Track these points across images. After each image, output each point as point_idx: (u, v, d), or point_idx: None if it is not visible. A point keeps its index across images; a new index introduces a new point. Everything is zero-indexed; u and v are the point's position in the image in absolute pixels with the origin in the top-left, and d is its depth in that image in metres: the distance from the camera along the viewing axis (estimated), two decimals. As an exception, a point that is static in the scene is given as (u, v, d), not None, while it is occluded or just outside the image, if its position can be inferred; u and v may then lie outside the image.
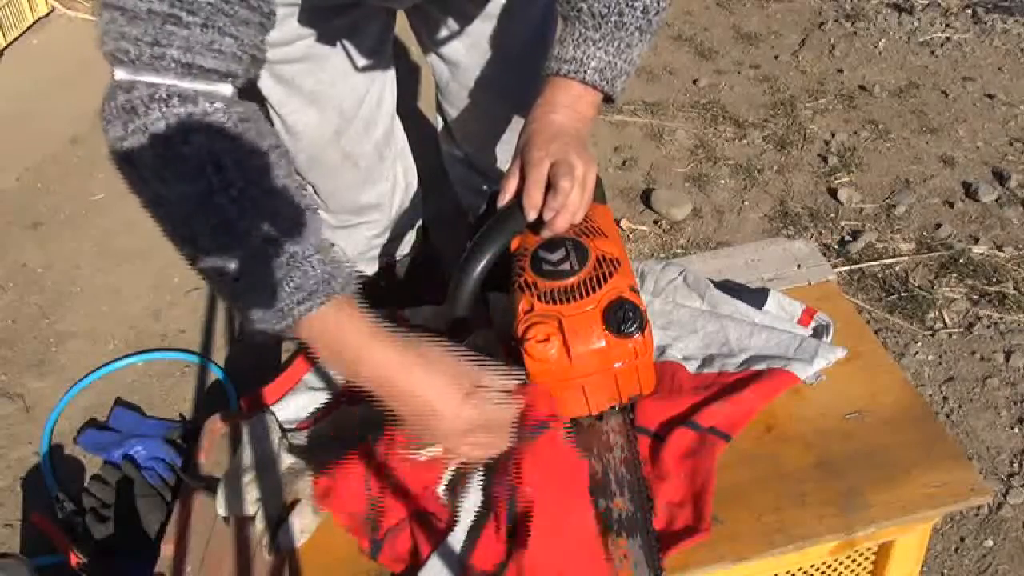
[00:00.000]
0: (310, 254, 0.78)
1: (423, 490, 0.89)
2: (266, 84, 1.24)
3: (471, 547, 0.84)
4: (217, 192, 0.75)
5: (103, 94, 0.77)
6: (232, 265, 0.76)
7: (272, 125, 0.87)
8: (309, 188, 0.94)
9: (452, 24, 1.24)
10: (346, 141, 1.33)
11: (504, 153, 1.45)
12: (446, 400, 0.80)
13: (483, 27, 1.24)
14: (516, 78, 1.29)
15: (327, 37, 1.19)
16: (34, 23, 2.98)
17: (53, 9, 3.04)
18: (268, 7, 0.80)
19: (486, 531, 0.85)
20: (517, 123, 1.40)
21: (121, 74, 0.76)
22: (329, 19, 1.16)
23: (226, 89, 0.79)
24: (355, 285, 0.81)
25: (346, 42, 1.21)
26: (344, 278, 0.80)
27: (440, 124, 1.48)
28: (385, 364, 0.79)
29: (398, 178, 1.47)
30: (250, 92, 1.28)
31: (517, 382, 0.85)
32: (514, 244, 0.97)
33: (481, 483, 0.88)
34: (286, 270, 0.77)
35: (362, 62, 1.26)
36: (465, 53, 1.27)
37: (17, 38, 2.91)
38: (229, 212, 0.76)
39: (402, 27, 1.35)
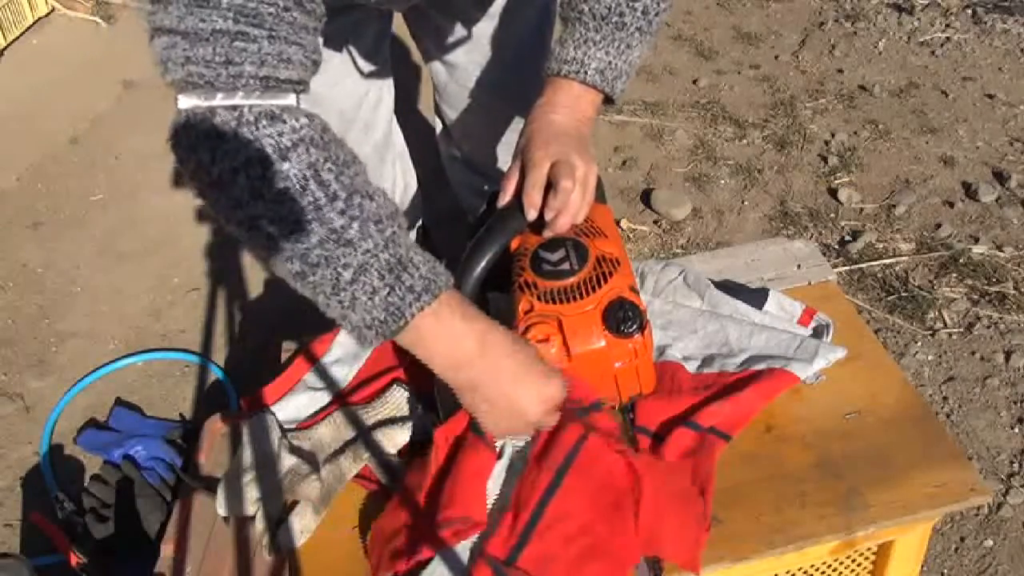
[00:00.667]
0: (413, 254, 0.79)
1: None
2: None
3: (488, 534, 0.84)
4: (324, 206, 0.75)
5: (174, 123, 0.76)
6: (345, 275, 0.77)
7: None
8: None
9: (449, 26, 1.24)
10: (346, 144, 1.33)
11: (503, 153, 1.45)
12: (533, 402, 0.84)
13: (481, 28, 1.24)
14: (514, 78, 1.29)
15: (326, 39, 1.19)
16: (34, 23, 2.98)
17: (53, 9, 3.04)
18: (320, 9, 0.79)
19: (504, 520, 0.84)
20: (516, 123, 1.40)
21: (194, 100, 0.74)
22: (329, 21, 1.16)
23: (294, 100, 0.78)
24: (452, 279, 0.83)
25: (346, 44, 1.22)
26: (446, 274, 0.82)
27: (439, 125, 1.48)
28: (492, 362, 0.82)
29: (397, 179, 1.47)
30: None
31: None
32: (514, 244, 0.97)
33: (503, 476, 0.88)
34: (397, 272, 0.78)
35: (360, 64, 1.26)
36: (463, 54, 1.28)
37: (17, 38, 2.91)
38: (337, 223, 0.75)
39: (400, 29, 1.36)
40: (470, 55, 1.27)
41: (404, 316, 0.78)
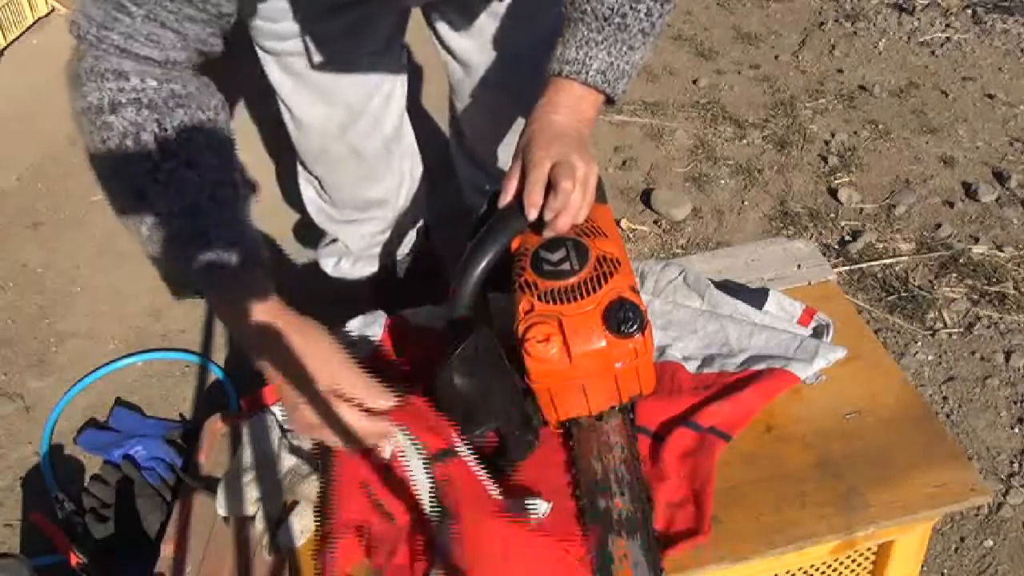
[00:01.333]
0: (212, 228, 0.85)
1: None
2: (275, 75, 1.24)
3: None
4: (132, 162, 0.83)
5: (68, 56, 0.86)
6: (143, 229, 0.85)
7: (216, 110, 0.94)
8: (244, 170, 1.01)
9: (466, 23, 1.24)
10: (353, 136, 1.33)
11: (512, 153, 1.45)
12: (320, 368, 0.84)
13: (497, 27, 1.24)
14: (529, 80, 1.29)
15: (337, 31, 1.19)
16: (34, 23, 2.98)
17: (53, 9, 3.04)
18: (217, 9, 0.86)
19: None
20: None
21: (77, 43, 0.85)
22: (339, 13, 1.16)
23: (161, 70, 0.87)
24: (260, 259, 0.88)
25: (356, 37, 1.22)
26: (248, 251, 0.87)
27: (451, 121, 1.48)
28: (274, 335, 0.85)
29: (405, 175, 1.47)
30: (256, 85, 1.29)
31: (387, 404, 0.87)
32: (514, 244, 0.97)
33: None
34: (189, 240, 0.84)
35: (372, 58, 1.26)
36: (478, 53, 1.27)
37: (17, 38, 2.91)
38: (142, 182, 0.84)
39: (418, 26, 1.35)
40: (485, 55, 1.27)
41: (192, 279, 0.85)
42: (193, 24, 0.85)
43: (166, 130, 0.84)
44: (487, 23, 1.23)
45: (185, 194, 0.85)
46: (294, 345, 0.85)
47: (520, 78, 1.29)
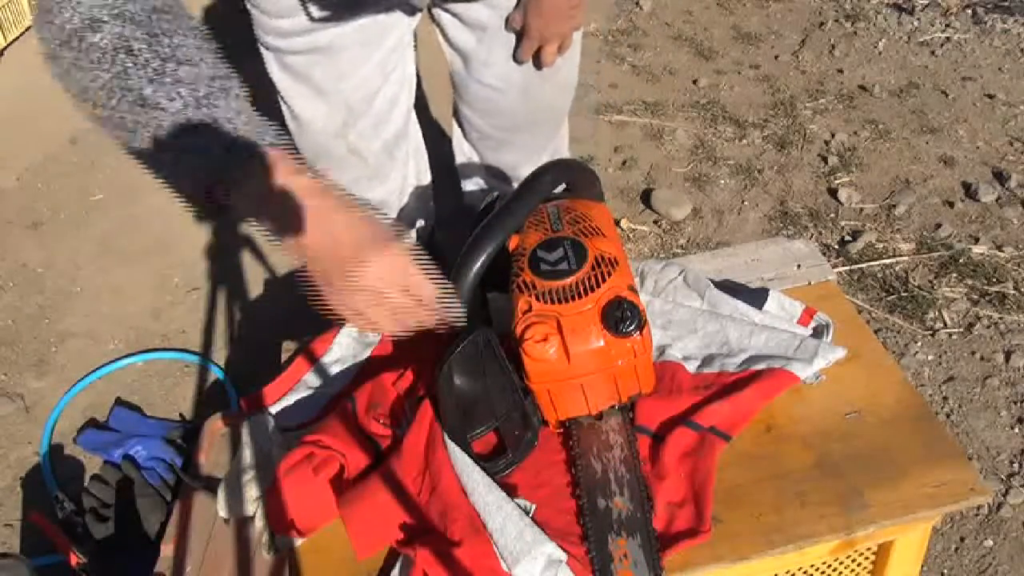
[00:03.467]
0: (234, 116, 0.82)
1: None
2: (276, 73, 1.24)
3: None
4: (130, 73, 0.80)
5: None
6: (156, 137, 0.81)
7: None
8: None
9: (469, 16, 1.24)
10: (354, 136, 1.32)
11: (517, 155, 1.44)
12: (378, 247, 0.83)
13: (500, 21, 1.24)
14: (533, 80, 1.30)
15: (342, 31, 1.19)
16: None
17: (53, 9, 3.04)
18: None
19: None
20: (533, 127, 1.40)
21: None
22: (343, 13, 1.16)
23: None
24: (283, 141, 0.85)
25: (361, 38, 1.21)
26: (272, 134, 0.84)
27: (454, 123, 1.48)
28: (327, 207, 0.84)
29: (408, 179, 1.46)
30: (258, 82, 1.28)
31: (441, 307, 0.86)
32: (512, 244, 0.97)
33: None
34: (213, 131, 0.81)
35: (377, 59, 1.26)
36: (479, 46, 1.27)
37: (17, 38, 2.91)
38: (144, 89, 0.80)
39: (424, 30, 1.35)
40: (485, 47, 1.27)
41: (222, 172, 0.82)
42: None
43: (157, 36, 0.81)
44: (490, 16, 1.23)
45: (194, 86, 0.81)
46: (341, 210, 0.84)
47: (523, 77, 1.29)
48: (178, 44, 0.83)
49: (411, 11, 1.25)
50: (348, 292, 0.84)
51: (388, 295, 0.84)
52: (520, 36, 1.24)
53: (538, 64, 1.30)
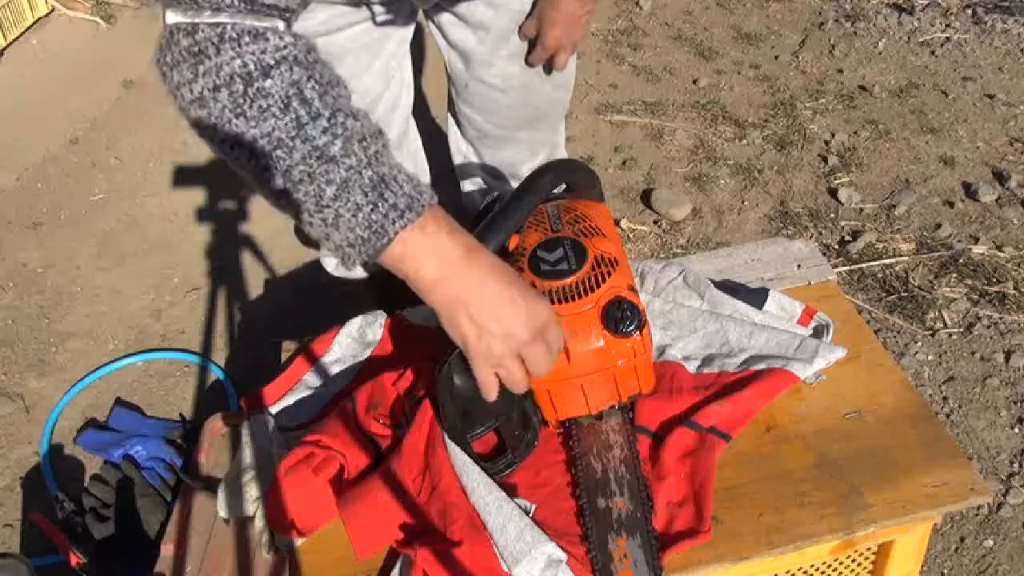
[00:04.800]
0: (397, 172, 0.80)
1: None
2: None
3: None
4: (307, 123, 0.76)
5: (158, 41, 0.76)
6: (328, 191, 0.77)
7: None
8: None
9: (467, 15, 1.25)
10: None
11: (516, 153, 1.45)
12: (516, 318, 0.80)
13: (500, 20, 1.24)
14: (532, 78, 1.30)
15: (345, 37, 1.19)
16: (34, 23, 2.98)
17: (53, 9, 3.04)
18: None
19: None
20: (532, 125, 1.40)
21: (178, 17, 0.75)
22: (347, 19, 1.16)
23: (279, 23, 0.79)
24: (437, 198, 0.82)
25: (363, 43, 1.21)
26: (430, 191, 0.81)
27: (451, 122, 1.48)
28: (480, 274, 0.80)
29: None
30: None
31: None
32: (512, 244, 0.97)
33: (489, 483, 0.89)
34: (380, 189, 0.78)
35: (379, 64, 1.26)
36: (478, 44, 1.28)
37: (17, 38, 2.91)
38: (320, 140, 0.76)
39: (418, 33, 1.35)
40: (484, 46, 1.27)
41: (387, 233, 0.78)
42: None
43: (322, 86, 0.77)
44: (491, 16, 1.23)
45: (366, 142, 0.78)
46: (490, 287, 0.81)
47: (523, 75, 1.29)
48: (339, 95, 0.79)
49: (411, 13, 1.25)
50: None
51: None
52: (532, 43, 1.25)
53: (548, 69, 1.31)
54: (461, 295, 0.80)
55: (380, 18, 1.19)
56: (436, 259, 0.80)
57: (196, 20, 0.74)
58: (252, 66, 0.74)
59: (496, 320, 0.80)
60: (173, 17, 0.75)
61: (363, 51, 1.22)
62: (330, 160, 0.76)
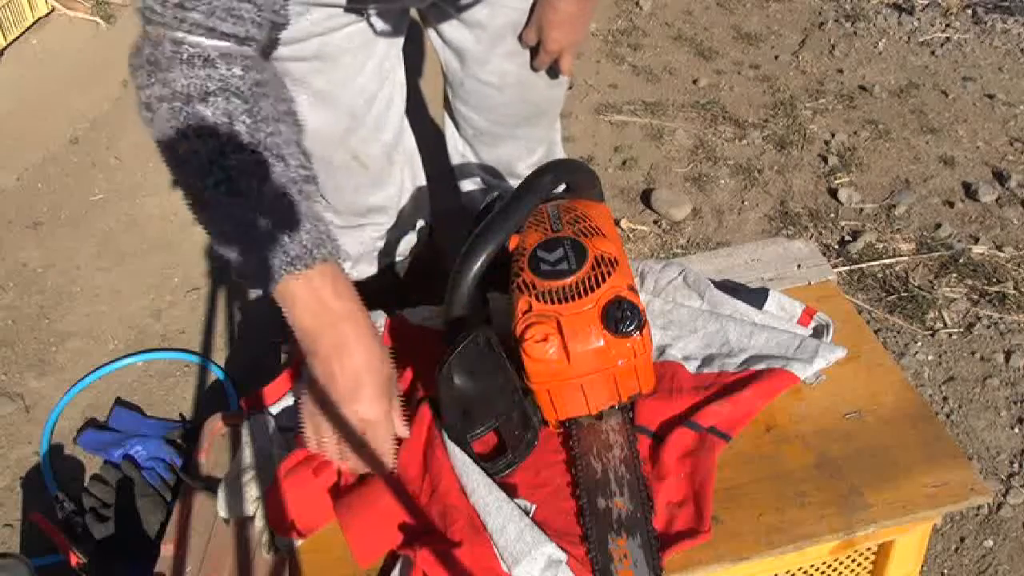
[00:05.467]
0: (302, 220, 0.84)
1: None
2: None
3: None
4: (227, 153, 0.81)
5: (134, 42, 0.82)
6: (228, 225, 0.83)
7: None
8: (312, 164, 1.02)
9: (461, 14, 1.25)
10: (355, 142, 1.32)
11: (513, 150, 1.45)
12: (353, 404, 0.87)
13: (496, 19, 1.24)
14: (528, 75, 1.30)
15: (341, 37, 1.19)
16: (34, 23, 2.98)
17: (53, 9, 3.04)
18: None
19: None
20: (529, 121, 1.40)
21: (147, 27, 0.81)
22: (342, 19, 1.16)
23: (247, 51, 0.83)
24: (340, 255, 0.87)
25: (359, 43, 1.22)
26: (331, 247, 0.86)
27: (449, 123, 1.48)
28: (340, 345, 0.86)
29: (405, 181, 1.47)
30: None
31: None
32: (512, 244, 0.97)
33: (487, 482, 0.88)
34: (277, 234, 0.83)
35: (374, 63, 1.26)
36: (474, 43, 1.28)
37: (17, 38, 2.91)
38: (233, 172, 0.81)
39: (410, 31, 1.35)
40: (480, 44, 1.27)
41: (274, 278, 0.83)
42: None
43: (256, 121, 0.82)
44: (488, 15, 1.23)
45: (281, 187, 0.83)
46: (370, 351, 0.87)
47: (519, 72, 1.29)
48: (275, 132, 0.83)
49: (404, 12, 1.25)
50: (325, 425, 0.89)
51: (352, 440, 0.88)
52: (535, 49, 1.26)
53: (554, 73, 1.31)
54: (319, 352, 0.86)
55: (374, 18, 1.20)
56: (309, 315, 0.85)
57: (162, 33, 0.80)
58: (193, 90, 0.80)
59: (337, 395, 0.86)
60: (144, 26, 0.81)
61: (358, 51, 1.22)
62: (237, 194, 0.82)
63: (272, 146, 0.83)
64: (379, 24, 1.22)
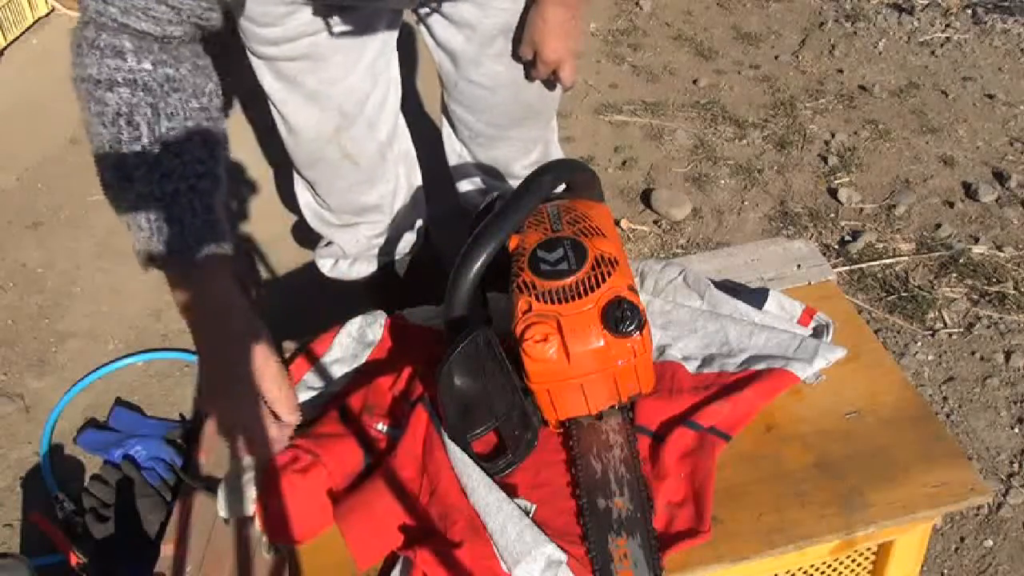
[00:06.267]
0: (189, 216, 0.89)
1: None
2: (267, 80, 1.24)
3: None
4: (124, 143, 0.87)
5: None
6: (122, 204, 0.89)
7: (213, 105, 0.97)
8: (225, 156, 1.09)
9: (454, 15, 1.25)
10: (347, 141, 1.33)
11: (509, 151, 1.45)
12: (218, 402, 0.93)
13: (487, 20, 1.24)
14: (522, 74, 1.30)
15: (330, 36, 1.19)
16: (34, 23, 2.98)
17: (53, 9, 3.04)
18: None
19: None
20: (524, 121, 1.40)
21: (80, 13, 0.88)
22: (332, 18, 1.16)
23: (166, 45, 0.89)
24: (225, 255, 0.92)
25: (350, 42, 1.22)
26: (219, 244, 0.91)
27: (445, 123, 1.48)
28: (213, 342, 0.92)
29: (400, 180, 1.47)
30: (253, 88, 1.28)
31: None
32: (512, 244, 0.97)
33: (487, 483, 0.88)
34: (161, 224, 0.88)
35: (366, 63, 1.26)
36: (467, 44, 1.28)
37: (17, 38, 2.91)
38: (128, 160, 0.87)
39: (406, 29, 1.35)
40: (473, 46, 1.27)
41: (155, 261, 0.90)
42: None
43: (159, 115, 0.87)
44: (477, 15, 1.23)
45: (167, 180, 0.88)
46: (230, 349, 0.91)
47: (513, 72, 1.29)
48: (175, 127, 0.88)
49: (396, 12, 1.25)
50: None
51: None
52: (532, 62, 1.27)
53: (552, 86, 1.32)
54: (199, 345, 0.93)
55: (364, 18, 1.20)
56: (182, 306, 0.92)
57: (87, 19, 0.87)
58: (101, 78, 0.86)
59: (208, 386, 0.93)
60: (79, 9, 0.87)
61: (349, 51, 1.22)
62: (128, 180, 0.88)
63: (170, 141, 0.88)
64: (369, 24, 1.22)
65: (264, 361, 0.92)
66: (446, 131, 1.49)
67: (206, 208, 0.91)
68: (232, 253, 0.94)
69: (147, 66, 0.87)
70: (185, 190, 0.89)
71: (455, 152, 1.50)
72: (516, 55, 1.27)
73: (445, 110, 1.44)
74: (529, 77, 1.29)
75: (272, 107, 1.29)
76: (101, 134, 0.87)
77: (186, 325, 0.93)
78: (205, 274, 0.91)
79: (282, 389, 0.94)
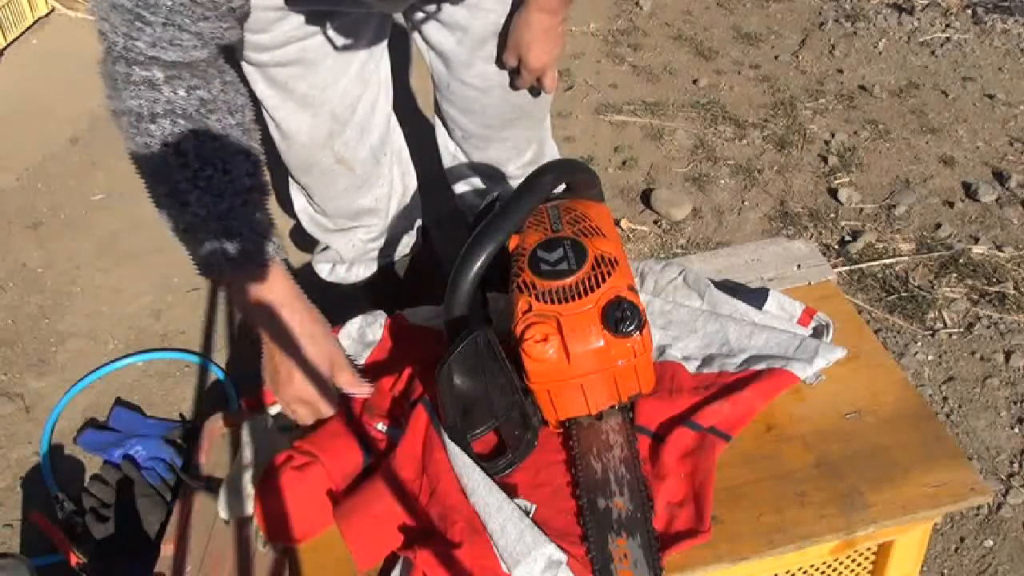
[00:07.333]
0: (244, 229, 0.94)
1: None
2: (259, 87, 1.24)
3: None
4: (174, 169, 0.90)
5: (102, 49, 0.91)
6: (180, 225, 0.93)
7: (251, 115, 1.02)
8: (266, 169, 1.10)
9: (444, 18, 1.25)
10: (340, 145, 1.32)
11: (502, 151, 1.44)
12: (282, 387, 0.99)
13: (477, 21, 1.24)
14: (509, 73, 1.30)
15: (320, 41, 1.19)
16: (34, 23, 2.98)
17: (53, 9, 3.04)
18: (228, 4, 0.90)
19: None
20: (517, 121, 1.40)
21: (105, 47, 0.89)
22: (323, 23, 1.16)
23: (194, 67, 0.91)
24: (283, 253, 0.98)
25: (340, 46, 1.21)
26: (272, 248, 0.97)
27: (438, 124, 1.48)
28: (279, 333, 0.98)
29: (395, 182, 1.47)
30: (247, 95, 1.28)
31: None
32: (512, 244, 0.97)
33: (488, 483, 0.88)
34: (222, 240, 0.93)
35: (356, 67, 1.26)
36: (458, 46, 1.28)
37: (17, 38, 2.91)
38: (181, 186, 0.91)
39: (398, 30, 1.35)
40: (464, 47, 1.27)
41: (222, 273, 0.95)
42: (207, 23, 0.89)
43: (202, 140, 0.91)
44: (467, 17, 1.23)
45: (222, 199, 0.92)
46: (295, 329, 0.97)
47: (498, 72, 1.29)
48: (219, 147, 0.92)
49: (385, 16, 1.25)
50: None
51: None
52: (517, 70, 1.27)
53: (536, 92, 1.32)
54: (264, 339, 0.99)
55: (353, 22, 1.20)
56: (246, 306, 0.98)
57: (115, 55, 0.89)
58: (143, 110, 0.89)
59: (274, 375, 0.99)
60: (102, 43, 0.89)
61: (339, 55, 1.22)
62: (184, 204, 0.91)
63: (217, 161, 0.92)
64: (359, 28, 1.22)
65: (332, 347, 1.00)
66: (440, 132, 1.49)
67: (260, 217, 0.96)
68: (285, 253, 1.00)
69: (182, 93, 0.90)
70: (239, 205, 0.93)
71: (449, 153, 1.50)
72: (501, 61, 1.28)
73: (438, 111, 1.45)
74: (514, 85, 1.30)
75: (265, 114, 1.28)
76: (149, 162, 0.91)
77: (242, 318, 1.00)
78: (267, 275, 0.96)
79: (345, 371, 1.01)
